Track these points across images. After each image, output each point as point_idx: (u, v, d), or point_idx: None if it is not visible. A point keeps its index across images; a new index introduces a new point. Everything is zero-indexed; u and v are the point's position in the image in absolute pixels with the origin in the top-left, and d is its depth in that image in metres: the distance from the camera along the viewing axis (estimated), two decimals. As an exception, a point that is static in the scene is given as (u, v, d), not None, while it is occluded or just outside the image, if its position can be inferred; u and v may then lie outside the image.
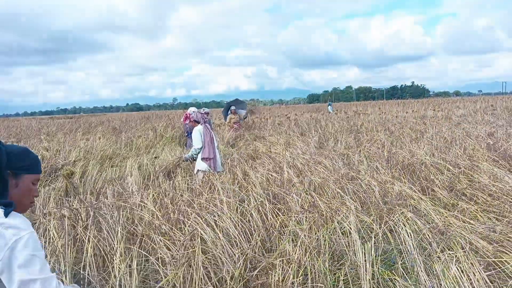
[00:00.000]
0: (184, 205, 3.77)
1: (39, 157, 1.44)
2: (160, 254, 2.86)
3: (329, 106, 26.29)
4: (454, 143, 6.85)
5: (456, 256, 2.79)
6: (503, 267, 2.73)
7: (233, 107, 14.14)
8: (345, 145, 8.44)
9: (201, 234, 3.07)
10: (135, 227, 3.40)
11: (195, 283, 2.51)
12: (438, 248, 3.00)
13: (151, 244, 3.05)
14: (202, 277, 2.54)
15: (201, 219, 3.34)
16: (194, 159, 5.44)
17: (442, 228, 3.32)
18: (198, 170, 5.27)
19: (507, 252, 2.87)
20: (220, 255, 2.86)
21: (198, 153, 5.37)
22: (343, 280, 2.76)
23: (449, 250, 2.94)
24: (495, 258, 2.85)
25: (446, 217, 3.63)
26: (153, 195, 4.27)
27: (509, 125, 10.39)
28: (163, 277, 2.65)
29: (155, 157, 7.61)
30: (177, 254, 2.79)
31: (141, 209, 3.86)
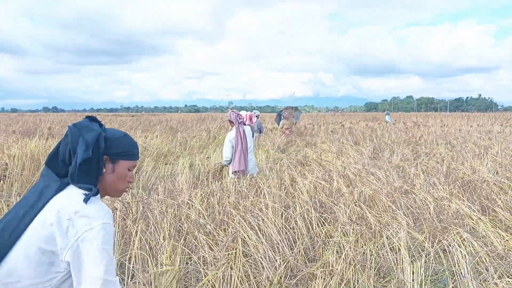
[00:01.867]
0: (230, 207, 3.81)
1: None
2: (202, 253, 2.91)
3: (387, 116, 25.25)
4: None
5: (516, 284, 2.56)
6: None
7: (285, 113, 14.12)
8: (401, 157, 8.08)
9: (244, 237, 3.07)
10: (181, 225, 3.49)
11: (234, 285, 2.52)
12: (495, 273, 2.77)
13: (194, 243, 3.11)
14: (241, 280, 2.54)
15: (245, 222, 3.35)
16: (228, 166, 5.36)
17: (502, 252, 3.06)
18: (230, 176, 5.19)
19: None
20: (261, 260, 2.84)
21: (229, 163, 5.21)
22: (388, 298, 2.64)
23: (508, 277, 2.70)
24: None
25: (507, 240, 3.34)
26: (201, 194, 4.35)
27: None
28: (203, 276, 2.68)
29: (207, 158, 7.78)
30: (219, 254, 2.82)
31: (189, 208, 3.95)
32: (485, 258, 2.97)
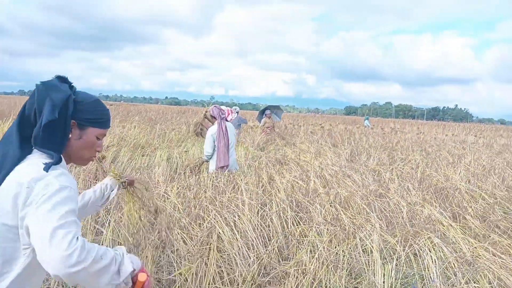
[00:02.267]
0: (206, 202, 3.78)
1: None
2: (176, 247, 2.87)
3: (366, 120, 25.60)
4: (492, 172, 6.51)
5: (482, 290, 2.64)
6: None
7: (268, 111, 14.12)
8: (377, 162, 8.22)
9: (219, 232, 3.05)
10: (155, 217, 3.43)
11: (207, 280, 2.49)
12: (463, 279, 2.84)
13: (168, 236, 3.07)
14: (214, 275, 2.52)
15: (221, 217, 3.33)
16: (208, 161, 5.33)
17: (470, 259, 3.14)
18: (212, 170, 5.17)
19: (539, 293, 2.68)
20: (235, 256, 2.83)
21: (210, 158, 5.19)
22: (358, 298, 2.67)
23: (474, 282, 2.78)
24: (526, 298, 2.66)
25: (476, 248, 3.43)
26: (178, 188, 4.30)
27: (556, 160, 9.78)
28: (176, 270, 2.65)
29: (185, 151, 7.71)
30: (193, 249, 2.79)
31: (164, 201, 3.89)
32: (454, 264, 3.04)
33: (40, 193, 1.12)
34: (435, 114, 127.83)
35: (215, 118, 5.21)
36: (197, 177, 4.95)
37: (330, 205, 4.31)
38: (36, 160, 1.23)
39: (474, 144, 14.19)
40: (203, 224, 3.30)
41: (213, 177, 4.80)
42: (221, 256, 2.80)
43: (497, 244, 3.71)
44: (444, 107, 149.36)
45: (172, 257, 2.76)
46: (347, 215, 4.01)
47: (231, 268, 2.75)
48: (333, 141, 12.35)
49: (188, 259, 2.76)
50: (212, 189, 4.45)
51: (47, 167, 1.19)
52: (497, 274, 2.92)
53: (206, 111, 5.78)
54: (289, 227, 3.72)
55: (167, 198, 3.90)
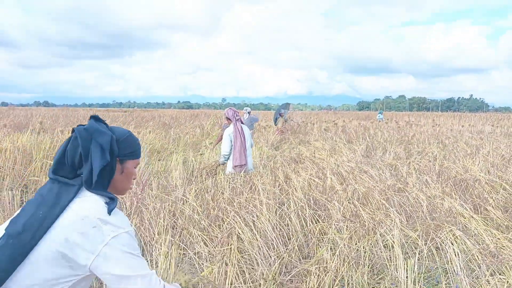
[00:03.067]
0: (225, 203, 3.80)
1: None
2: (198, 248, 2.90)
3: (380, 114, 25.32)
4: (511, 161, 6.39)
5: (508, 282, 2.59)
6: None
7: (282, 111, 14.15)
8: (394, 156, 8.13)
9: (238, 233, 3.07)
10: (176, 220, 3.47)
11: (230, 280, 2.51)
12: (487, 271, 2.80)
13: (189, 238, 3.10)
14: (236, 275, 2.54)
15: (240, 218, 3.35)
16: (226, 162, 5.40)
17: (494, 250, 3.09)
18: (229, 172, 5.23)
19: None
20: (256, 256, 2.84)
21: (228, 158, 5.25)
22: (381, 294, 2.66)
23: (500, 274, 2.74)
24: (553, 289, 2.61)
25: (499, 239, 3.38)
26: (196, 190, 4.34)
27: None
28: (199, 272, 2.68)
29: (201, 154, 7.76)
30: (214, 250, 2.81)
31: (183, 203, 3.94)
32: (477, 256, 3.00)
33: (110, 235, 1.27)
34: (450, 105, 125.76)
35: (230, 120, 5.30)
36: (213, 179, 4.99)
37: (349, 202, 4.30)
38: (94, 197, 1.34)
39: (491, 133, 13.91)
40: (222, 226, 3.32)
41: (230, 178, 4.83)
42: (242, 257, 2.82)
43: (521, 234, 3.65)
44: (459, 97, 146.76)
45: (194, 259, 2.79)
46: (366, 211, 3.99)
47: (252, 268, 2.76)
48: (347, 138, 12.26)
49: (209, 260, 2.79)
50: (230, 191, 4.48)
51: (110, 210, 1.31)
52: (523, 265, 2.87)
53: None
54: (308, 225, 3.72)
55: (186, 201, 3.94)
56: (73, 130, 1.36)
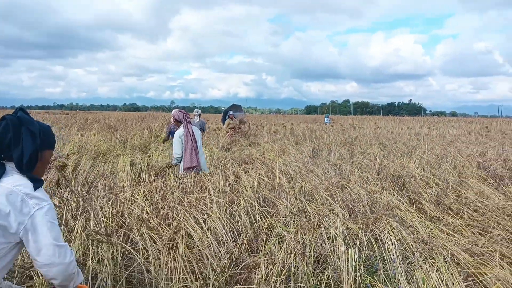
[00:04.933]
0: (174, 202, 3.81)
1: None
2: (144, 245, 2.89)
3: (326, 118, 26.08)
4: (445, 159, 6.94)
5: (437, 266, 2.85)
6: (481, 279, 2.79)
7: (230, 112, 14.21)
8: (338, 156, 8.51)
9: (188, 230, 3.10)
10: (124, 220, 3.43)
11: (178, 275, 2.54)
12: (420, 257, 3.05)
13: (137, 237, 3.08)
14: (185, 270, 2.58)
15: (190, 216, 3.38)
16: (178, 164, 5.38)
17: (426, 239, 3.37)
18: (181, 173, 5.21)
19: (486, 264, 2.93)
20: (205, 252, 2.89)
21: (180, 161, 5.24)
22: (325, 283, 2.81)
23: (431, 259, 3.00)
24: (475, 269, 2.90)
25: (431, 229, 3.69)
26: (144, 191, 4.30)
27: (501, 146, 10.52)
28: (143, 269, 2.67)
29: (149, 156, 7.64)
30: (163, 248, 2.82)
31: (131, 204, 3.88)
32: (411, 245, 3.26)
33: (34, 207, 1.49)
34: (391, 109, 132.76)
35: (180, 122, 5.30)
36: (163, 180, 4.95)
37: (296, 199, 4.47)
38: (19, 177, 1.55)
39: (428, 135, 14.94)
40: (172, 224, 3.33)
41: (180, 179, 4.83)
42: (191, 252, 2.86)
43: (451, 224, 4.00)
44: (399, 102, 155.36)
45: (138, 257, 2.78)
46: (311, 206, 4.18)
47: (203, 263, 2.81)
48: (295, 139, 12.61)
49: (157, 257, 2.79)
50: (180, 190, 4.48)
51: (35, 187, 1.53)
52: (450, 251, 3.16)
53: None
54: (257, 221, 3.83)
55: (134, 201, 3.89)
56: (3, 118, 1.53)
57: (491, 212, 4.22)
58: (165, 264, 2.62)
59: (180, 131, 5.20)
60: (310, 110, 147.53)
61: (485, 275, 2.81)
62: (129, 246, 2.96)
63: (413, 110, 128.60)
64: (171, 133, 8.68)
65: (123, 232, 3.19)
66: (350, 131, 17.18)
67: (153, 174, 5.72)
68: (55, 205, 3.45)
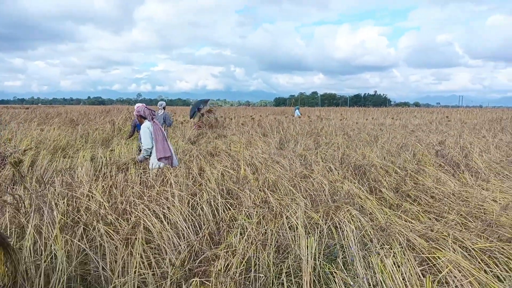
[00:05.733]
0: (134, 197, 3.72)
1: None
2: (101, 242, 2.81)
3: (296, 110, 25.26)
4: (405, 148, 7.14)
5: (393, 251, 2.93)
6: (435, 263, 2.89)
7: (201, 106, 14.11)
8: (304, 147, 8.59)
9: (147, 225, 3.04)
10: (80, 216, 3.32)
11: (134, 270, 2.49)
12: (378, 244, 3.13)
13: (93, 234, 2.99)
14: (141, 264, 2.52)
15: (149, 210, 3.31)
16: (148, 158, 5.28)
17: (384, 225, 3.46)
18: (153, 166, 5.13)
19: (440, 249, 3.04)
20: (164, 246, 2.84)
21: (150, 153, 5.15)
22: (286, 272, 2.83)
23: (387, 245, 3.08)
24: (429, 254, 3.00)
25: (389, 216, 3.79)
26: (103, 186, 4.18)
27: (460, 135, 10.96)
28: (99, 264, 2.60)
29: (111, 150, 7.43)
30: (119, 243, 2.75)
31: (89, 200, 3.77)
32: (370, 232, 3.33)
33: None
34: (357, 101, 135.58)
35: (144, 118, 5.22)
36: (123, 174, 4.83)
37: (260, 190, 4.47)
38: None
39: (391, 125, 15.35)
40: (130, 219, 3.25)
41: (141, 173, 4.73)
42: (149, 247, 2.80)
43: (408, 211, 4.13)
44: (365, 93, 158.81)
45: (91, 253, 2.70)
46: (275, 197, 4.19)
47: (161, 257, 2.76)
48: (263, 131, 12.63)
49: (113, 252, 2.72)
50: (141, 185, 4.38)
51: None
52: (407, 237, 3.26)
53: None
54: (220, 213, 3.81)
55: (92, 197, 3.77)
56: None
57: (447, 198, 4.39)
58: (121, 259, 2.55)
59: (147, 124, 5.13)
60: (279, 102, 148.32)
61: (438, 259, 2.91)
62: (84, 243, 2.86)
63: (378, 101, 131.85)
64: (136, 127, 8.47)
65: (80, 228, 3.09)
66: (317, 122, 17.40)
67: (115, 169, 5.56)
68: (5, 201, 3.30)
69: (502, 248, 3.00)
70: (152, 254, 2.71)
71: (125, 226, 3.10)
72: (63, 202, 3.44)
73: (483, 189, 4.72)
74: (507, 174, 5.72)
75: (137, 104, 5.50)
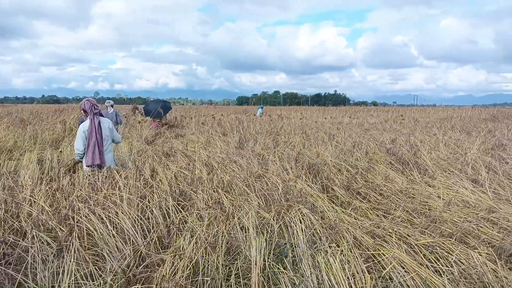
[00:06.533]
0: (79, 201, 3.56)
1: None
2: (35, 251, 2.67)
3: (259, 109, 25.06)
4: (357, 147, 7.33)
5: (340, 249, 2.98)
6: (380, 259, 2.97)
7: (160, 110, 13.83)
8: (263, 146, 8.62)
9: (90, 230, 2.92)
10: (19, 223, 3.14)
11: (68, 279, 2.37)
12: (326, 242, 3.18)
13: (32, 241, 2.83)
14: (76, 272, 2.41)
15: (95, 215, 3.18)
16: (81, 161, 5.00)
17: (333, 224, 3.52)
18: (85, 170, 4.84)
19: (385, 246, 3.13)
20: (108, 252, 2.74)
21: (83, 156, 4.87)
22: (235, 274, 2.81)
23: (335, 243, 3.13)
24: (375, 251, 3.08)
25: (339, 214, 3.86)
26: (47, 190, 3.98)
27: (412, 133, 11.40)
28: (29, 274, 2.46)
29: (60, 151, 7.11)
30: (57, 251, 2.62)
31: (31, 205, 3.57)
32: (319, 230, 3.38)
33: None
34: (318, 100, 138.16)
35: (86, 112, 4.91)
36: (70, 177, 4.62)
37: (214, 191, 4.42)
38: None
39: (348, 124, 15.74)
40: (73, 224, 3.11)
41: (89, 175, 4.54)
42: (91, 254, 2.69)
43: (358, 208, 4.23)
44: (325, 93, 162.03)
45: (31, 263, 2.56)
46: (228, 198, 4.16)
47: (103, 264, 2.66)
48: (223, 130, 12.56)
49: (51, 260, 2.59)
50: (88, 188, 4.21)
51: None
52: (354, 234, 3.33)
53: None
54: (171, 216, 3.73)
55: (34, 202, 3.58)
56: None
57: (395, 195, 4.54)
58: (56, 268, 2.43)
59: (85, 125, 4.83)
60: (242, 101, 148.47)
61: (383, 256, 3.00)
62: (24, 249, 2.70)
63: (338, 100, 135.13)
64: None
65: (21, 236, 2.92)
66: (278, 121, 17.54)
67: (63, 171, 5.32)
68: None
69: (443, 243, 3.12)
70: (91, 262, 2.60)
71: (66, 232, 2.96)
72: (1, 208, 3.24)
73: (429, 186, 4.92)
74: (452, 171, 6.00)
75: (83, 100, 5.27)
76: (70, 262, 2.41)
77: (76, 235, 2.69)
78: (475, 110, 29.25)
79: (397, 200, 4.38)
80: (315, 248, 3.12)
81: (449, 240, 3.17)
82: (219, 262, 2.84)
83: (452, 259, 2.80)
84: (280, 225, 3.44)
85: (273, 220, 3.53)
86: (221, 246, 3.05)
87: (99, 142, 4.77)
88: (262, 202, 4.17)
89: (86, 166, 4.78)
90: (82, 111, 5.03)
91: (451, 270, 2.70)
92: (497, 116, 21.35)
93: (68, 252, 2.55)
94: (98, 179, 4.44)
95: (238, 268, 2.84)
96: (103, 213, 3.27)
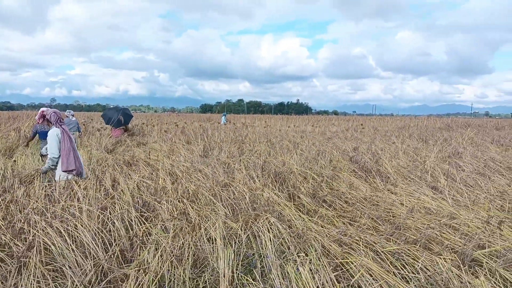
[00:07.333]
0: (35, 213, 3.35)
1: None
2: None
3: (223, 117, 25.07)
4: (322, 155, 7.44)
5: (309, 258, 2.97)
6: (348, 267, 2.98)
7: (116, 114, 13.42)
8: (228, 154, 8.55)
9: (48, 244, 2.74)
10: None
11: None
12: (295, 251, 3.16)
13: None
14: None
15: (52, 228, 3.00)
16: (54, 169, 4.80)
17: (301, 232, 3.51)
18: (60, 178, 4.68)
19: (353, 254, 3.15)
20: (68, 267, 2.58)
21: (56, 162, 4.70)
22: (203, 287, 2.73)
23: (303, 252, 3.12)
24: (343, 259, 3.10)
25: (306, 222, 3.86)
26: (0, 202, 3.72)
27: (372, 141, 11.73)
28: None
29: (14, 161, 6.71)
30: (12, 268, 2.44)
31: (-21, 219, 3.32)
32: (287, 239, 3.36)
33: None
34: (281, 109, 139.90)
35: (51, 123, 4.75)
36: (25, 188, 4.36)
37: (178, 201, 4.31)
38: None
39: (311, 133, 15.99)
40: (29, 239, 2.91)
41: (45, 186, 4.30)
42: (50, 269, 2.52)
43: (324, 216, 4.26)
44: (288, 102, 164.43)
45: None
46: (194, 208, 4.07)
47: (63, 281, 2.50)
48: (186, 138, 12.38)
49: (6, 278, 2.40)
50: (45, 200, 3.98)
51: None
52: (322, 243, 3.33)
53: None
54: (134, 228, 3.58)
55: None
56: None
57: (359, 203, 4.61)
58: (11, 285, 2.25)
59: (57, 130, 4.66)
60: (206, 109, 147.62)
61: (351, 264, 3.02)
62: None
63: (300, 109, 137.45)
64: (38, 134, 7.76)
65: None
66: (242, 129, 17.54)
67: (17, 182, 5.01)
68: None
69: (408, 250, 3.19)
70: (51, 278, 2.43)
71: (21, 247, 2.76)
72: None
73: (392, 193, 5.05)
74: (413, 178, 6.20)
75: (42, 108, 5.03)
76: (28, 280, 2.24)
77: (36, 250, 2.50)
78: (430, 120, 30.63)
79: (362, 208, 4.45)
80: (284, 258, 3.09)
81: (414, 247, 3.24)
82: (185, 276, 2.75)
83: (418, 266, 2.86)
84: (248, 235, 3.39)
85: (241, 230, 3.48)
86: (188, 258, 2.96)
87: (73, 146, 4.64)
88: (229, 212, 4.10)
89: (63, 171, 4.57)
90: (40, 119, 4.81)
91: (417, 277, 2.75)
92: (452, 126, 22.47)
93: (26, 269, 2.37)
94: (56, 190, 4.21)
95: (206, 281, 2.76)
96: (61, 226, 3.09)
